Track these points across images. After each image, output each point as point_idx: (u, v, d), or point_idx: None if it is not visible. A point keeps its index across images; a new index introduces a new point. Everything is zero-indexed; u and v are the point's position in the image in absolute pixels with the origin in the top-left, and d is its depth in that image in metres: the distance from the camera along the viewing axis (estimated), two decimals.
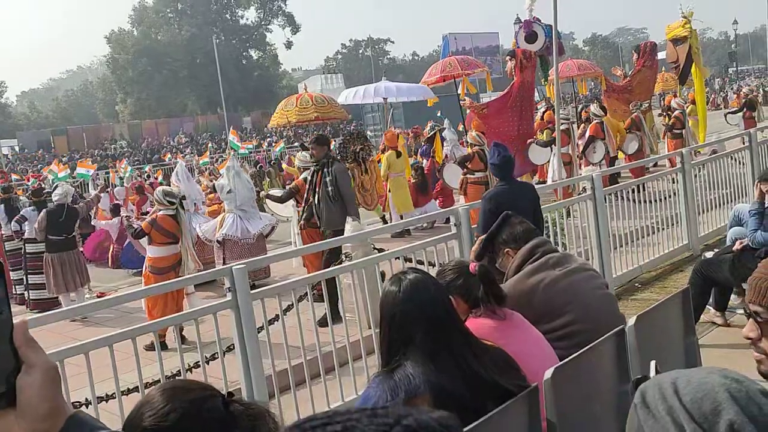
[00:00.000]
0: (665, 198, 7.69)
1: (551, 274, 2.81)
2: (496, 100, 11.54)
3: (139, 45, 59.56)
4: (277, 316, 4.48)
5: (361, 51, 79.92)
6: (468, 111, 12.22)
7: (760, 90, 29.88)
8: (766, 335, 1.42)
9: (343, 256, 5.90)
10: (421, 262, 5.54)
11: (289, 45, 67.66)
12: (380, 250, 6.25)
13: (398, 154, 11.07)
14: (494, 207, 4.12)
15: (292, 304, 4.51)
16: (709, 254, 5.18)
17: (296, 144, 20.83)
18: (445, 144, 12.24)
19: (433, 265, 4.83)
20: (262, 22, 67.53)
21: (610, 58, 69.74)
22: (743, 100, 18.64)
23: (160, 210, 6.83)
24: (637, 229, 7.14)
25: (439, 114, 15.85)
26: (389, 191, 11.07)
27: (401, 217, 10.76)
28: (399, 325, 2.06)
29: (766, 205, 4.06)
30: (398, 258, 5.04)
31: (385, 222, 11.12)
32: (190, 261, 6.72)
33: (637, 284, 6.57)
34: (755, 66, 72.88)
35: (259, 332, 4.09)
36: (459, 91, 13.43)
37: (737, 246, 4.24)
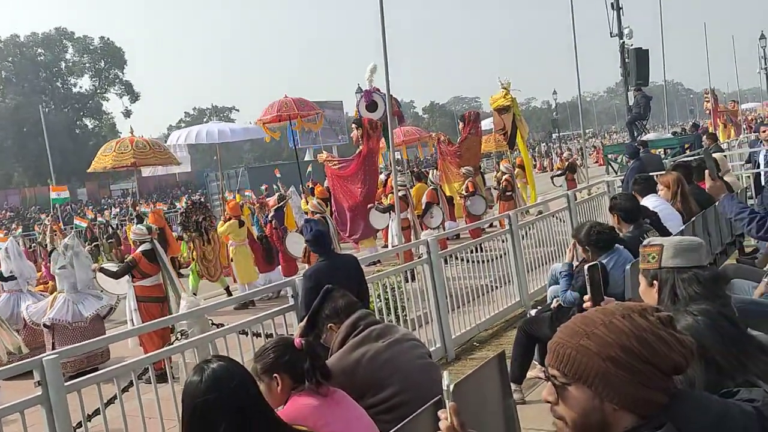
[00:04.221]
0: (499, 257, 8.07)
1: (374, 347, 2.81)
2: (351, 162, 11.79)
3: None
4: (101, 408, 4.10)
5: (205, 119, 78.89)
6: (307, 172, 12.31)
7: (580, 153, 32.76)
8: (563, 399, 1.45)
9: (178, 334, 5.60)
10: (259, 335, 5.38)
11: (127, 113, 65.54)
12: (219, 326, 6.01)
13: (241, 224, 10.88)
14: (314, 284, 4.10)
15: (116, 395, 4.16)
16: (532, 312, 5.48)
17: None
18: (294, 212, 12.22)
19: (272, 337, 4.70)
20: (98, 90, 65.01)
21: (448, 125, 73.89)
22: (566, 164, 20.40)
23: None
24: (475, 288, 7.41)
25: (279, 176, 15.85)
26: (232, 261, 10.82)
27: (246, 288, 10.52)
28: (200, 418, 1.95)
29: (574, 266, 4.37)
30: (243, 332, 4.87)
31: (229, 293, 10.80)
32: (1, 349, 6.05)
33: (475, 343, 6.78)
34: (574, 131, 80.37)
35: (77, 429, 3.72)
36: (296, 134, 13.57)
37: (554, 304, 4.51)
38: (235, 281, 11.21)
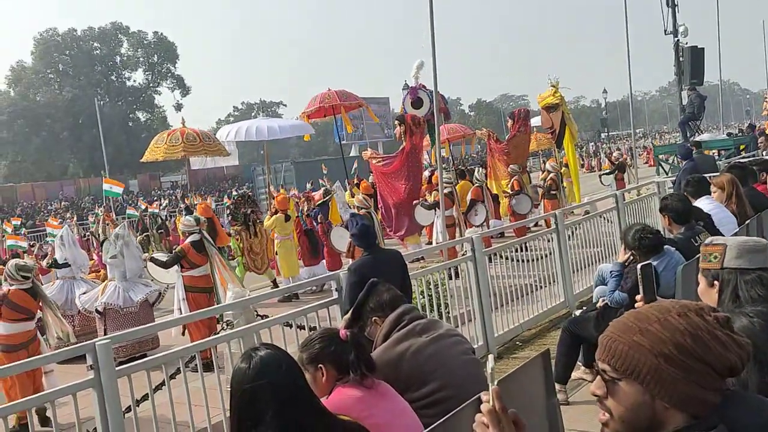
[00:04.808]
0: (544, 257, 7.99)
1: (418, 341, 2.82)
2: (395, 158, 11.81)
3: (16, 106, 56.93)
4: (150, 393, 4.22)
5: (253, 113, 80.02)
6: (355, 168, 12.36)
7: (629, 153, 32.16)
8: (612, 393, 1.45)
9: (224, 324, 5.72)
10: (303, 327, 5.46)
11: (178, 107, 66.88)
12: (263, 317, 6.11)
13: (287, 218, 11.01)
14: (359, 278, 4.12)
15: (164, 381, 4.26)
16: (577, 313, 5.41)
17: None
18: (339, 207, 12.33)
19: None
20: (151, 84, 66.52)
21: (494, 123, 73.33)
22: (615, 163, 20.04)
23: (12, 285, 6.33)
24: (518, 287, 7.35)
25: (325, 172, 15.93)
26: (276, 254, 10.97)
27: (290, 281, 10.64)
28: (248, 404, 1.99)
29: (626, 267, 4.30)
30: (287, 324, 4.94)
31: (275, 286, 10.95)
32: (51, 335, 6.26)
33: (518, 342, 6.73)
34: (624, 131, 78.86)
35: (127, 413, 3.83)
36: (343, 130, 13.57)
37: (600, 304, 4.44)
38: (279, 274, 11.34)
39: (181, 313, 7.90)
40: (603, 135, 62.68)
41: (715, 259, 2.34)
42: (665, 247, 4.20)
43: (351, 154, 45.00)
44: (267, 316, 5.90)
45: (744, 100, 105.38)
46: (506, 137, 15.38)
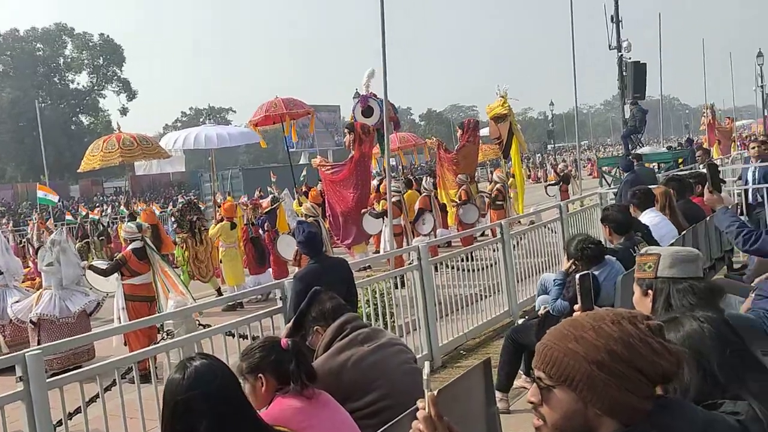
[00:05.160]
0: (490, 266, 8.06)
1: (360, 351, 2.79)
2: (344, 167, 11.78)
3: None
4: (82, 406, 4.06)
5: (202, 119, 78.81)
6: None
7: (574, 165, 32.91)
8: (546, 401, 1.46)
9: (164, 334, 5.58)
10: (245, 337, 5.35)
11: (124, 111, 65.40)
12: (206, 326, 5.98)
13: (233, 226, 10.86)
14: (304, 287, 4.08)
15: (98, 393, 4.11)
16: (519, 321, 5.48)
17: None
18: (287, 215, 12.21)
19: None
20: (95, 87, 64.89)
21: (444, 132, 74.03)
22: (560, 175, 20.46)
23: None
24: (463, 297, 7.39)
25: (274, 180, 15.79)
26: (221, 262, 10.80)
27: (235, 289, 10.49)
28: (181, 415, 1.93)
29: (568, 276, 4.37)
30: (229, 333, 4.84)
31: (220, 295, 10.76)
32: None
33: (462, 351, 6.76)
34: (570, 143, 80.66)
35: (58, 427, 3.68)
36: (290, 138, 13.45)
37: (541, 312, 4.50)
38: (223, 283, 11.17)
39: (120, 323, 7.69)
40: (549, 146, 64.03)
41: (650, 269, 2.39)
42: (606, 257, 4.28)
43: (301, 162, 44.78)
44: (209, 326, 5.78)
45: (684, 115, 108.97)
46: (455, 147, 15.53)
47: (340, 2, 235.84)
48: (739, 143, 28.17)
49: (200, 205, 14.87)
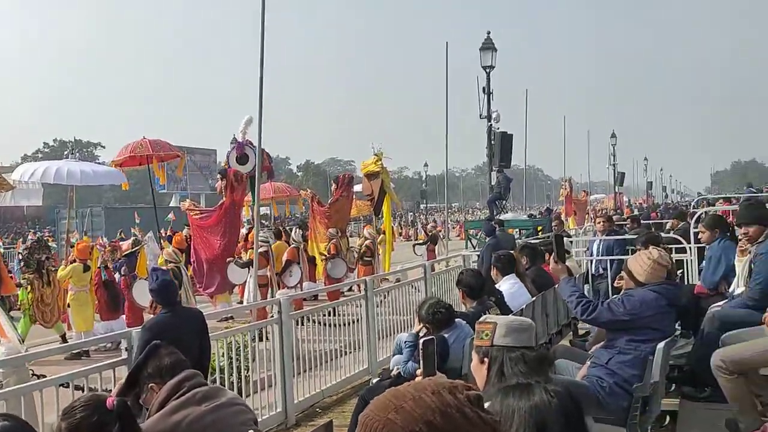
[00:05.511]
0: (354, 322, 8.04)
1: (196, 410, 2.65)
2: (213, 212, 11.46)
3: None
4: None
5: (66, 152, 74.52)
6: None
7: (444, 225, 33.99)
8: None
9: None
10: (81, 389, 4.96)
11: None
12: (40, 377, 5.52)
13: (86, 268, 10.20)
14: (153, 337, 3.87)
15: None
16: (374, 381, 5.48)
17: None
18: (148, 259, 11.67)
19: (109, 391, 4.34)
20: None
21: (321, 185, 74.46)
22: (428, 234, 21.05)
23: None
24: (324, 352, 7.31)
25: (138, 222, 15.13)
26: (69, 306, 10.08)
27: (82, 336, 9.78)
28: None
29: (420, 336, 4.44)
30: (63, 385, 4.47)
31: (64, 341, 10.01)
32: None
33: (318, 409, 6.64)
34: (442, 204, 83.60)
35: None
36: (158, 181, 13.00)
37: (394, 373, 4.53)
38: (70, 329, 10.41)
39: None
40: (422, 206, 65.94)
41: (486, 337, 2.46)
42: (456, 320, 4.40)
43: (171, 204, 43.23)
44: (45, 376, 5.33)
45: (546, 186, 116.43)
46: (329, 201, 15.63)
47: (221, 45, 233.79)
48: (592, 215, 30.36)
49: (53, 244, 13.93)
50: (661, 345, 3.68)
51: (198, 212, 11.97)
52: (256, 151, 10.17)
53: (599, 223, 10.61)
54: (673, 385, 4.99)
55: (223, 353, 5.88)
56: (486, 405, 1.65)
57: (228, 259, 11.04)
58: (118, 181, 13.14)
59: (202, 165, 55.28)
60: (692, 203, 23.46)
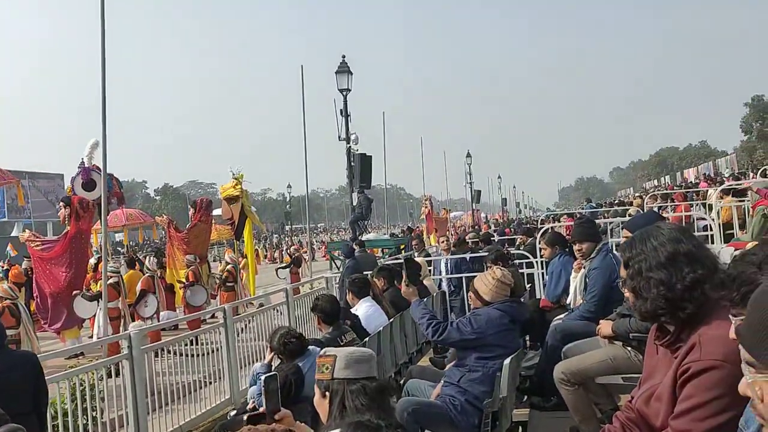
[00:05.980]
0: (215, 351, 7.78)
1: None
2: (57, 243, 10.71)
3: None
4: None
5: None
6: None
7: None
8: None
9: None
10: None
11: None
12: None
13: None
14: None
15: None
16: (232, 413, 5.33)
17: None
18: None
19: None
20: None
21: (181, 208, 71.97)
22: (292, 257, 20.88)
23: None
24: (184, 384, 7.00)
25: None
26: None
27: None
28: None
29: (272, 368, 4.37)
30: None
31: None
32: None
33: None
34: (306, 225, 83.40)
35: None
36: None
37: (249, 406, 4.42)
38: None
39: None
40: (287, 227, 65.45)
41: (327, 370, 2.45)
42: (310, 347, 4.38)
43: (13, 233, 39.99)
44: None
45: (408, 204, 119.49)
46: (188, 226, 15.11)
47: (60, 60, 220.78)
48: (452, 232, 31.48)
49: None
50: (507, 361, 3.86)
51: (40, 243, 11.15)
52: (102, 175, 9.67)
53: (443, 242, 11.21)
54: (524, 396, 5.24)
55: (68, 395, 5.47)
56: None
57: (75, 292, 10.35)
58: None
59: (47, 191, 51.67)
60: (539, 219, 25.00)
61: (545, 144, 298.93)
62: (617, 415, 2.35)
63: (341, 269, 15.64)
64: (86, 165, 11.28)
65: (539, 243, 7.58)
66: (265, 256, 40.35)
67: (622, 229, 4.93)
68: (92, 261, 11.47)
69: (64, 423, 5.25)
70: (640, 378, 2.37)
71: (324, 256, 34.34)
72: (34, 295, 11.03)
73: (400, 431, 1.67)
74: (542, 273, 9.22)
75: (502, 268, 4.49)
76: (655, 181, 70.65)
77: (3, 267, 13.90)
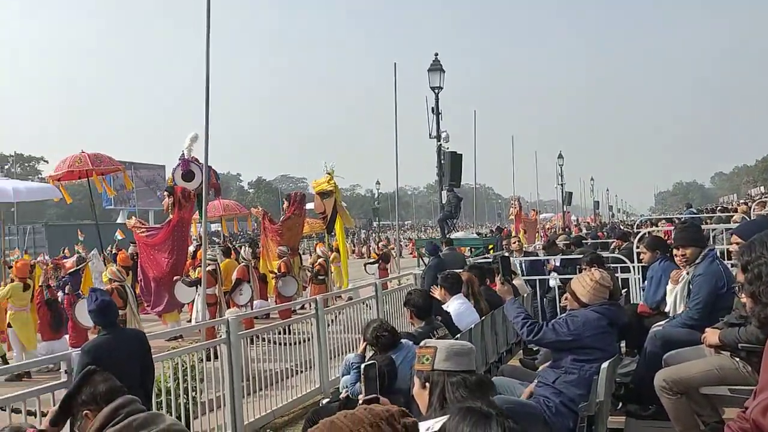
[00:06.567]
0: (306, 341, 7.97)
1: None
2: (160, 230, 11.26)
3: None
4: None
5: (7, 166, 72.33)
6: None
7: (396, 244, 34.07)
8: None
9: None
10: (19, 411, 4.79)
11: None
12: None
13: (26, 287, 9.88)
14: (92, 361, 3.77)
15: None
16: (324, 401, 5.44)
17: None
18: (93, 277, 11.34)
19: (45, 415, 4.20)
20: None
21: (273, 202, 73.94)
22: (380, 253, 21.05)
23: None
24: (276, 372, 7.21)
25: (82, 239, 14.74)
26: (9, 326, 9.74)
27: (23, 357, 9.45)
28: None
29: (366, 359, 4.44)
30: (2, 408, 4.32)
31: (5, 362, 9.67)
32: None
33: (269, 430, 6.55)
34: (394, 222, 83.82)
35: None
36: (105, 195, 12.78)
37: (342, 395, 4.51)
38: (10, 349, 10.05)
39: None
40: (375, 223, 66.01)
41: (427, 361, 2.47)
42: (403, 341, 4.41)
43: (118, 221, 42.25)
44: None
45: (496, 204, 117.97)
46: (281, 218, 15.52)
47: (170, 60, 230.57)
48: (542, 234, 30.87)
49: None
50: (605, 365, 3.76)
51: (145, 230, 11.75)
52: (202, 167, 10.07)
53: (515, 243, 11.29)
54: (620, 403, 5.09)
55: (170, 374, 5.75)
56: (440, 420, 1.65)
57: (175, 278, 10.84)
58: (53, 197, 12.90)
59: (148, 180, 54.32)
60: (636, 223, 24.11)
61: (641, 146, 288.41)
62: (729, 425, 2.25)
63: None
64: (185, 157, 11.78)
65: (637, 247, 7.33)
66: (353, 252, 40.85)
67: (731, 235, 4.70)
68: (191, 249, 11.98)
69: (167, 401, 5.53)
70: (755, 388, 2.26)
71: (411, 253, 34.45)
72: (139, 278, 11.62)
73: (511, 422, 1.65)
74: (637, 278, 8.94)
75: (601, 270, 4.37)
76: (762, 187, 66.53)
77: (112, 251, 14.68)
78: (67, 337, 10.17)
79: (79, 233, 15.89)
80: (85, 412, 2.72)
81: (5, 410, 4.55)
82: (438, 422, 1.85)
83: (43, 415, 4.37)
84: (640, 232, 11.55)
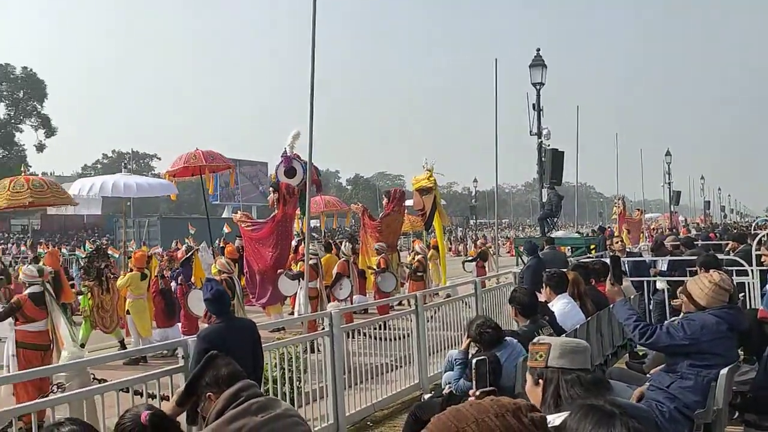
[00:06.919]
0: (404, 337, 8.03)
1: (252, 421, 2.69)
2: (265, 225, 11.67)
3: None
4: None
5: (124, 163, 76.84)
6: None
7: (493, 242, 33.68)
8: None
9: (54, 387, 5.27)
10: (140, 393, 5.10)
11: (41, 147, 63.21)
12: (101, 381, 5.69)
13: (143, 276, 10.48)
14: (208, 347, 3.95)
15: None
16: (426, 396, 5.47)
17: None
18: (203, 268, 11.94)
19: (166, 399, 4.46)
20: (12, 120, 62.57)
21: (370, 198, 74.77)
22: (478, 251, 20.86)
23: None
24: (375, 366, 7.31)
25: (192, 232, 15.46)
26: (128, 313, 10.36)
27: (140, 343, 10.05)
28: None
29: (469, 356, 4.42)
30: (124, 390, 4.61)
31: (123, 347, 10.30)
32: None
33: (369, 423, 6.65)
34: (491, 220, 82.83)
35: None
36: (216, 190, 13.35)
37: (446, 391, 4.51)
38: (128, 335, 10.70)
39: (9, 371, 7.23)
40: (472, 221, 65.48)
41: (541, 358, 2.43)
42: (507, 339, 4.36)
43: (224, 215, 44.02)
44: (105, 380, 5.49)
45: (598, 203, 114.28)
46: (380, 215, 15.69)
47: (276, 60, 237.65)
48: (647, 234, 29.63)
49: (113, 253, 14.35)
50: (724, 371, 3.58)
51: (250, 224, 12.21)
52: (305, 164, 10.33)
53: (617, 243, 10.79)
54: (736, 412, 4.83)
55: (276, 364, 5.95)
56: (560, 415, 1.63)
57: (279, 271, 11.19)
58: (169, 192, 13.58)
59: (251, 175, 56.35)
60: (753, 224, 22.70)
61: (757, 143, 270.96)
62: None
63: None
64: (288, 153, 12.12)
65: (757, 249, 6.91)
66: (450, 249, 40.73)
67: None
68: (294, 243, 12.33)
69: (273, 389, 5.73)
70: None
71: (509, 252, 33.97)
72: (244, 271, 12.09)
73: (635, 422, 1.60)
74: (755, 282, 8.45)
75: (720, 272, 4.16)
76: None
77: (220, 245, 15.34)
78: (179, 325, 10.73)
79: (189, 227, 16.70)
80: (208, 394, 2.87)
81: (128, 391, 4.85)
82: (559, 417, 1.82)
83: (162, 398, 4.64)
84: (758, 233, 10.89)
